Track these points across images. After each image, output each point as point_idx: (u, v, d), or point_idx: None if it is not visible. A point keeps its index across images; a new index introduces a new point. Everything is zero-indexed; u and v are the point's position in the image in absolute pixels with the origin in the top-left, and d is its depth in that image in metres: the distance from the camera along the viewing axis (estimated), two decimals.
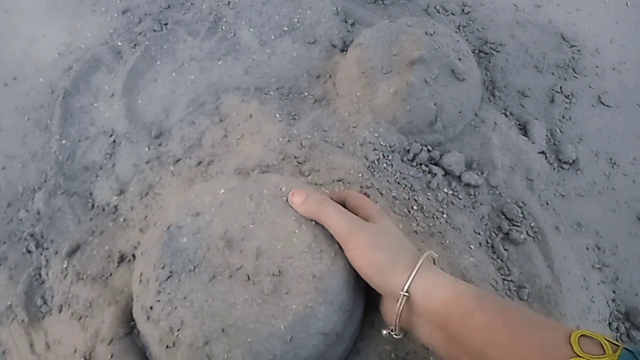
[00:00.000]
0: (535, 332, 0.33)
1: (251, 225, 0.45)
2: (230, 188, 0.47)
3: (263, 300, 0.41)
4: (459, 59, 0.65)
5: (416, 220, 0.57)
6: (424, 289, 0.38)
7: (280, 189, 0.47)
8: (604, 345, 0.30)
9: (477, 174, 0.63)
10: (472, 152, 0.65)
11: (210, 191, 0.48)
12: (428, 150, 0.63)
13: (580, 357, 0.29)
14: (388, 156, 0.61)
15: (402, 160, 0.62)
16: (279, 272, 0.42)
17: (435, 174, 0.62)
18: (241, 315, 0.41)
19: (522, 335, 0.33)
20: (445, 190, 0.61)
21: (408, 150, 0.63)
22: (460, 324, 0.35)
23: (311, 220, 0.45)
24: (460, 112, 0.65)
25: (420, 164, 0.62)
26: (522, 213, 0.62)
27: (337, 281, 0.42)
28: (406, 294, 0.38)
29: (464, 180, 0.62)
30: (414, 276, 0.38)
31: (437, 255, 0.43)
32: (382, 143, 0.62)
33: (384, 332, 0.43)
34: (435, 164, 0.63)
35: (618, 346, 0.30)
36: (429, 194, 0.60)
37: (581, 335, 0.31)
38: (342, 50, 0.75)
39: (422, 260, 0.39)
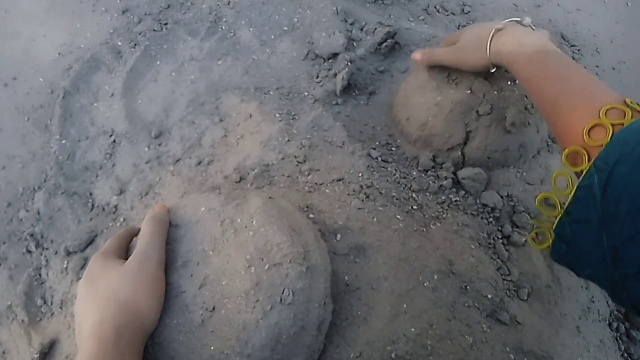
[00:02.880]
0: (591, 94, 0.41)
1: (210, 252, 0.44)
2: (210, 208, 0.47)
3: (190, 330, 0.41)
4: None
5: (416, 219, 0.57)
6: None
7: (252, 222, 0.45)
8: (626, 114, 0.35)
9: (499, 194, 0.60)
10: None
11: (194, 205, 0.48)
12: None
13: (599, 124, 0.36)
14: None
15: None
16: (213, 308, 0.41)
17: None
18: (167, 338, 0.41)
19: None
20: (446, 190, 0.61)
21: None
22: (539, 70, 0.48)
23: (265, 263, 0.43)
24: None
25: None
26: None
27: (261, 336, 0.40)
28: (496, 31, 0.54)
29: (483, 202, 0.60)
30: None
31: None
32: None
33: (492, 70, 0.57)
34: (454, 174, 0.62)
35: None
36: (428, 193, 0.60)
37: (611, 108, 0.36)
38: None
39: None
